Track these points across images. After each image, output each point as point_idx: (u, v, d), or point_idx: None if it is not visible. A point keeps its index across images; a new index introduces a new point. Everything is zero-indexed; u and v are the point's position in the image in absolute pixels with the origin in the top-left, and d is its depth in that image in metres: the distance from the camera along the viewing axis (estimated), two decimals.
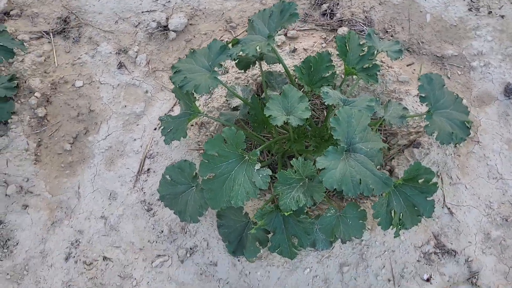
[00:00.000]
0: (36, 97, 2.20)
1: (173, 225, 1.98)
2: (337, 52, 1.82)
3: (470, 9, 2.29)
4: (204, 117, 2.06)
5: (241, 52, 1.74)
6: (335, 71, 1.83)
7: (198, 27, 2.34)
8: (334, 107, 2.15)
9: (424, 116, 1.71)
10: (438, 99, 1.75)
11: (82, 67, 2.30)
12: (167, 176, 1.80)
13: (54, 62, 2.29)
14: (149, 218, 2.03)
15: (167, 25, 2.32)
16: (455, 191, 1.98)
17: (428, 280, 1.89)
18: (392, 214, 1.65)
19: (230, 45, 1.79)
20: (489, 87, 2.17)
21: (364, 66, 1.83)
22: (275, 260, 1.89)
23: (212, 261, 1.93)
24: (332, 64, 1.81)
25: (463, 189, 1.98)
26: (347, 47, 1.83)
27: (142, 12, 2.36)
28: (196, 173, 1.77)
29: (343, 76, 1.88)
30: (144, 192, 2.07)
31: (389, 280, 1.87)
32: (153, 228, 2.01)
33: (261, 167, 1.57)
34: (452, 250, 1.89)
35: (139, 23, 2.34)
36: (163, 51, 2.31)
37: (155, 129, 2.17)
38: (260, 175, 1.56)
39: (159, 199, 2.02)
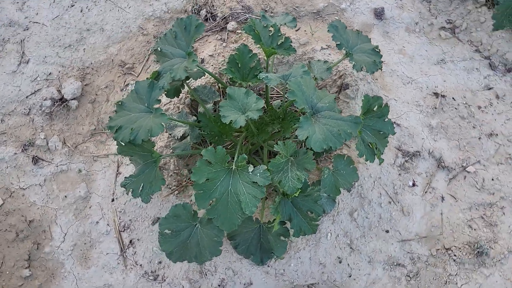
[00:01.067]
0: None
1: (190, 275, 1.87)
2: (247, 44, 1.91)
3: None
4: (161, 161, 1.96)
5: (170, 79, 1.70)
6: (259, 58, 1.92)
7: (95, 83, 2.19)
8: (274, 87, 2.27)
9: (347, 59, 1.92)
10: (348, 40, 1.97)
11: None
12: (166, 231, 1.68)
13: None
14: (161, 286, 1.87)
15: (63, 96, 2.11)
16: (390, 108, 2.26)
17: (414, 184, 2.14)
18: (370, 146, 1.84)
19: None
20: (363, 18, 2.51)
21: (279, 43, 1.96)
22: (299, 244, 1.93)
23: (246, 283, 1.88)
24: (254, 53, 1.90)
25: (394, 102, 2.28)
26: (258, 33, 1.93)
27: (27, 97, 2.10)
28: (194, 210, 1.69)
29: (264, 59, 1.97)
30: (141, 265, 1.89)
31: (389, 202, 2.07)
32: None
33: None
34: (416, 152, 2.18)
35: (30, 109, 2.09)
36: (72, 123, 2.11)
37: (112, 200, 1.99)
38: (258, 174, 1.57)
39: (159, 262, 1.89)
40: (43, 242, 1.91)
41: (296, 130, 1.56)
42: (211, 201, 1.56)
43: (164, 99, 2.08)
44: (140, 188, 1.69)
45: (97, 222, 1.96)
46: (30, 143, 2.04)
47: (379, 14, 2.51)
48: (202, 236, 1.68)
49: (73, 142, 2.08)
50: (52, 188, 1.99)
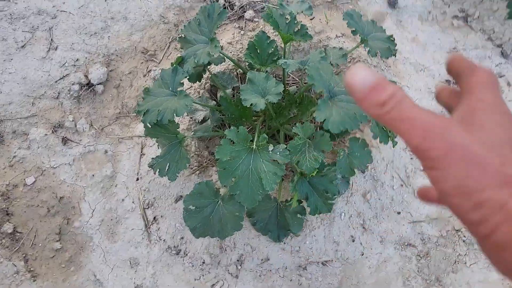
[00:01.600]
0: None
1: (211, 250, 1.97)
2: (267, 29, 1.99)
3: None
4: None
5: (194, 64, 1.80)
6: (276, 44, 2.00)
7: (119, 69, 2.29)
8: (291, 72, 2.35)
9: (362, 46, 1.99)
10: (363, 28, 2.04)
11: (23, 163, 2.08)
12: (190, 207, 1.79)
13: None
14: (183, 260, 1.98)
15: (89, 81, 2.22)
16: None
17: None
18: (384, 129, 1.92)
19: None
20: (377, 7, 2.57)
21: (295, 30, 2.04)
22: (314, 223, 2.03)
23: (263, 258, 1.98)
24: (272, 39, 1.98)
25: (407, 89, 2.35)
26: (276, 20, 2.01)
27: (56, 81, 2.21)
28: (216, 188, 1.79)
29: (281, 46, 2.06)
30: (164, 240, 2.00)
31: (401, 185, 2.15)
32: (193, 266, 1.97)
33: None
34: None
35: (59, 93, 2.20)
36: (99, 107, 2.22)
37: (137, 179, 2.10)
38: (278, 153, 1.67)
39: (181, 238, 2.00)
40: (73, 217, 2.03)
41: (312, 114, 1.65)
42: (233, 178, 1.66)
43: (185, 84, 2.17)
44: (167, 168, 1.79)
45: (123, 200, 2.07)
46: (59, 125, 2.15)
47: (392, 3, 2.56)
48: (224, 212, 1.78)
49: (100, 125, 2.19)
50: (81, 167, 2.10)
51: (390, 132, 1.92)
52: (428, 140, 0.45)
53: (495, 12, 2.59)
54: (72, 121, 2.16)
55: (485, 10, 2.60)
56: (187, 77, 1.99)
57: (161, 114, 1.70)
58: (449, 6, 2.59)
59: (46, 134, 2.13)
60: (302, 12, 2.14)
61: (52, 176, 2.08)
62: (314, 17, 2.52)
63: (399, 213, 2.15)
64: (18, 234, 1.97)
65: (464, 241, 2.11)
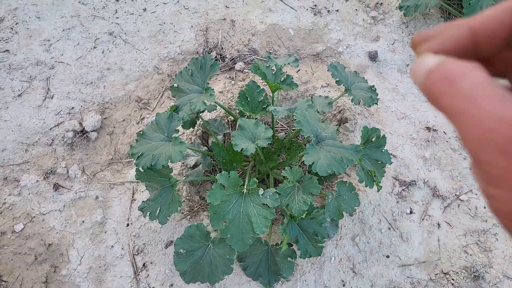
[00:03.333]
0: None
1: None
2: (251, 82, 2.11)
3: (315, 14, 2.87)
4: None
5: (190, 111, 1.88)
6: (266, 93, 2.12)
7: (113, 117, 2.36)
8: (280, 119, 2.46)
9: (346, 94, 2.12)
10: (347, 78, 2.19)
11: (13, 210, 2.08)
12: (181, 250, 1.79)
13: None
14: None
15: (83, 128, 2.28)
16: (386, 140, 2.44)
17: (411, 212, 2.28)
18: (369, 173, 1.99)
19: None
20: (359, 60, 2.75)
21: (282, 80, 2.17)
22: (304, 267, 2.03)
23: None
24: (262, 88, 2.10)
25: (390, 135, 2.46)
26: (263, 72, 2.14)
27: (50, 128, 2.26)
28: (207, 231, 1.81)
29: (270, 95, 2.17)
30: (153, 287, 1.97)
31: (389, 229, 2.19)
32: None
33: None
34: (412, 181, 2.33)
35: (53, 140, 2.24)
36: (91, 153, 2.26)
37: (127, 225, 2.10)
38: (268, 196, 1.71)
39: (171, 285, 1.98)
40: (60, 265, 1.99)
41: (300, 159, 1.72)
42: (224, 222, 1.68)
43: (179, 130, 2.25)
44: (158, 211, 1.82)
45: (112, 246, 2.05)
46: (51, 171, 2.17)
47: (373, 56, 2.75)
48: (214, 255, 1.79)
49: (92, 171, 2.22)
50: (71, 214, 2.10)
51: (374, 176, 2.00)
52: (490, 153, 0.34)
53: None
54: (65, 167, 2.19)
55: None
56: (182, 125, 2.08)
57: (155, 158, 1.75)
58: None
59: (37, 181, 2.15)
60: (289, 64, 2.29)
61: (41, 222, 2.07)
62: (300, 69, 2.68)
63: (388, 256, 2.17)
64: (3, 283, 1.92)
65: (453, 284, 2.13)
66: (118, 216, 2.13)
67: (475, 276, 2.14)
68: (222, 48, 2.64)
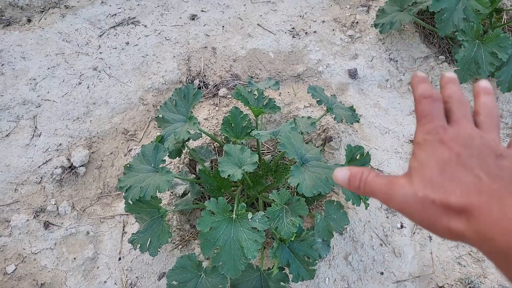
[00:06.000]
0: None
1: None
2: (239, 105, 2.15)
3: (293, 37, 2.95)
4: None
5: (175, 141, 1.91)
6: (249, 118, 2.16)
7: (101, 151, 2.39)
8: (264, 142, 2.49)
9: (328, 113, 2.17)
10: (327, 98, 2.24)
11: (4, 251, 2.07)
12: (173, 282, 1.78)
13: None
14: None
15: (72, 164, 2.29)
16: (372, 155, 2.48)
17: (402, 226, 2.30)
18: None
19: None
20: (339, 78, 2.81)
21: (264, 104, 2.21)
22: None
23: None
24: (245, 113, 2.14)
25: (375, 151, 2.51)
26: (245, 97, 2.18)
27: (39, 166, 2.27)
28: (198, 261, 1.81)
29: (254, 119, 2.21)
30: None
31: (381, 245, 2.21)
32: None
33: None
34: None
35: (41, 178, 2.25)
36: (81, 188, 2.27)
37: (119, 259, 2.09)
38: (257, 220, 1.73)
39: None
40: None
41: (288, 179, 1.75)
42: (215, 249, 1.69)
43: (166, 160, 2.27)
44: (148, 243, 1.82)
45: (105, 282, 2.04)
46: (41, 209, 2.18)
47: (353, 74, 2.82)
48: (207, 285, 1.79)
49: (82, 206, 2.22)
50: (62, 251, 2.09)
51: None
52: (389, 203, 0.60)
53: None
54: (54, 204, 2.20)
55: (436, 76, 2.87)
56: (168, 154, 2.10)
57: (143, 190, 1.77)
58: (404, 74, 2.87)
59: (28, 220, 2.14)
60: (269, 87, 2.33)
61: (33, 262, 2.06)
62: (283, 90, 2.73)
63: (382, 273, 2.18)
64: None
65: None
66: (109, 250, 2.12)
67: (470, 287, 2.15)
68: (204, 75, 2.69)
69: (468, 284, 2.18)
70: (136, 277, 2.05)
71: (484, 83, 0.67)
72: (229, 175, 1.84)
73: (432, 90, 0.65)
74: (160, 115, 2.11)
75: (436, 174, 0.56)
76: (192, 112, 2.03)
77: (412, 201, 0.57)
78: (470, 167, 0.55)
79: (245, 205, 1.75)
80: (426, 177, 0.57)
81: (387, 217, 2.29)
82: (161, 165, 1.86)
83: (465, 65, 2.57)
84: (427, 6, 2.59)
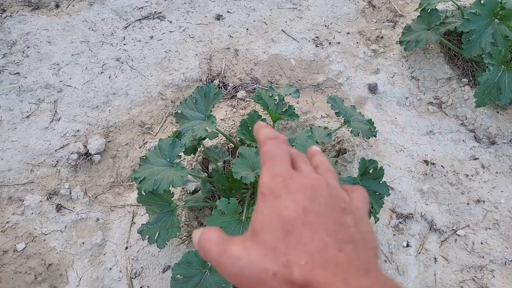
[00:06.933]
0: None
1: None
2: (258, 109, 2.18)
3: (317, 46, 2.97)
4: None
5: (192, 138, 1.94)
6: (267, 122, 2.18)
7: (117, 141, 2.42)
8: None
9: (345, 126, 2.17)
10: (346, 111, 2.25)
11: (15, 229, 2.11)
12: (178, 276, 1.80)
13: None
14: None
15: (88, 151, 2.33)
16: (384, 172, 2.48)
17: (407, 245, 2.29)
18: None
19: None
20: (359, 92, 2.82)
21: (283, 110, 2.23)
22: None
23: None
24: (263, 118, 2.15)
25: (387, 167, 2.50)
26: (265, 101, 2.20)
27: (56, 150, 2.32)
28: None
29: (271, 124, 2.23)
30: None
31: (385, 261, 2.20)
32: None
33: None
34: (409, 214, 2.36)
35: (57, 162, 2.29)
36: (94, 175, 2.31)
37: (126, 248, 2.12)
38: None
39: None
40: (59, 285, 2.01)
41: None
42: None
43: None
44: (157, 235, 1.85)
45: (111, 269, 2.07)
46: (55, 192, 2.22)
47: (372, 89, 2.82)
48: (211, 283, 1.80)
49: (94, 193, 2.26)
50: (72, 235, 2.13)
51: (372, 208, 2.03)
52: (225, 276, 0.51)
53: (466, 100, 2.85)
54: (68, 188, 2.24)
55: (457, 98, 2.86)
56: (183, 150, 2.13)
57: (157, 183, 1.80)
58: (424, 94, 2.86)
59: (41, 201, 2.19)
60: (290, 94, 2.35)
61: (42, 242, 2.10)
62: (301, 99, 2.75)
63: None
64: None
65: None
66: (117, 238, 2.15)
67: None
68: (225, 76, 2.72)
69: None
70: (141, 267, 2.08)
71: (316, 147, 0.66)
72: (241, 177, 1.86)
73: (277, 133, 0.60)
74: (179, 111, 2.14)
75: (281, 238, 0.48)
76: (211, 111, 2.05)
77: (249, 275, 0.47)
78: (316, 228, 0.48)
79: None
80: (268, 243, 0.48)
81: (394, 234, 2.28)
82: (176, 161, 1.89)
83: (487, 88, 2.57)
84: (455, 26, 2.59)
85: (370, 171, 2.08)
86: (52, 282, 2.01)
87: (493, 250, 2.34)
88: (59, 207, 2.18)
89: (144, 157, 1.94)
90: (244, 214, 1.77)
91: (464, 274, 2.27)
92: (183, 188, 2.24)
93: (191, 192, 2.22)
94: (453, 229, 2.38)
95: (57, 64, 2.60)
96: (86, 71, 2.62)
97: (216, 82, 2.71)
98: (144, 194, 1.89)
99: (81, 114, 2.46)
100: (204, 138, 2.18)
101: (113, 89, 2.58)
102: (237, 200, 2.36)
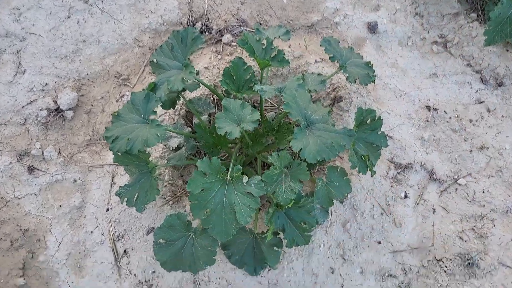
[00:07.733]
0: None
1: (183, 285, 1.87)
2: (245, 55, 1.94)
3: None
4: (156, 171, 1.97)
5: (167, 90, 1.73)
6: (253, 70, 1.95)
7: (91, 94, 2.21)
8: (269, 98, 2.30)
9: (341, 71, 1.96)
10: (342, 54, 2.01)
11: None
12: (160, 240, 1.69)
13: None
14: None
15: (58, 106, 2.13)
16: (383, 120, 2.30)
17: (406, 196, 2.17)
18: (363, 158, 1.87)
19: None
20: (357, 32, 2.55)
21: (272, 56, 1.99)
22: (292, 254, 1.95)
23: None
24: (249, 65, 1.93)
25: (387, 115, 2.32)
26: (251, 46, 1.96)
27: (23, 107, 2.11)
28: (188, 220, 1.71)
29: (259, 72, 2.01)
30: (135, 274, 1.90)
31: (382, 214, 2.10)
32: None
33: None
34: (408, 164, 2.21)
35: (25, 119, 2.10)
36: (68, 133, 2.12)
37: (107, 210, 1.99)
38: (253, 185, 1.59)
39: (153, 272, 1.90)
40: (38, 251, 1.91)
41: (290, 141, 1.59)
42: (206, 211, 1.57)
43: (159, 110, 2.10)
44: (135, 197, 1.71)
45: (92, 232, 1.96)
46: (25, 153, 2.05)
47: (372, 28, 2.55)
48: (196, 246, 1.69)
49: (69, 152, 2.09)
50: (47, 198, 1.99)
51: (368, 161, 1.88)
52: None
53: (474, 38, 2.60)
54: (39, 148, 2.06)
55: (464, 36, 2.60)
56: (161, 104, 1.93)
57: (130, 143, 1.62)
58: (428, 32, 2.60)
59: (11, 163, 2.02)
60: (279, 36, 2.10)
61: (16, 207, 1.96)
62: (293, 41, 2.49)
63: (379, 242, 2.09)
64: None
65: (445, 271, 2.06)
66: (97, 200, 2.02)
67: (469, 263, 2.06)
68: (208, 18, 2.44)
69: (468, 259, 2.09)
70: (124, 229, 1.96)
71: None
72: (226, 133, 1.68)
73: None
74: (155, 60, 1.91)
75: None
76: (189, 59, 1.82)
77: None
78: None
79: (241, 168, 1.61)
80: None
81: (391, 186, 2.16)
82: (151, 117, 1.69)
83: (499, 24, 2.31)
84: None
85: (368, 122, 1.90)
86: (30, 248, 1.90)
87: (494, 198, 2.23)
88: (31, 169, 2.02)
89: (116, 114, 1.74)
90: (229, 174, 1.61)
91: (464, 224, 2.18)
92: (165, 145, 2.07)
93: (174, 149, 2.06)
94: (454, 178, 2.25)
95: (18, 9, 2.31)
96: (51, 16, 2.33)
97: (199, 25, 2.43)
98: (120, 154, 1.72)
99: (48, 65, 2.22)
100: (183, 90, 1.98)
101: (83, 36, 2.32)
102: (224, 156, 2.20)
